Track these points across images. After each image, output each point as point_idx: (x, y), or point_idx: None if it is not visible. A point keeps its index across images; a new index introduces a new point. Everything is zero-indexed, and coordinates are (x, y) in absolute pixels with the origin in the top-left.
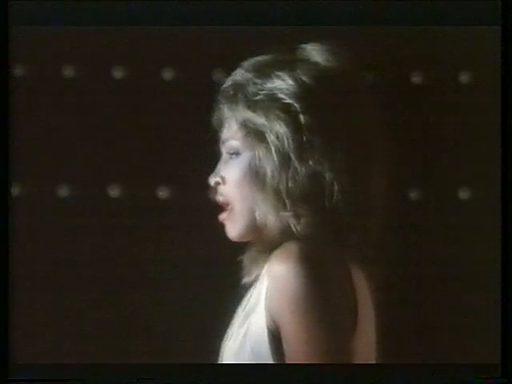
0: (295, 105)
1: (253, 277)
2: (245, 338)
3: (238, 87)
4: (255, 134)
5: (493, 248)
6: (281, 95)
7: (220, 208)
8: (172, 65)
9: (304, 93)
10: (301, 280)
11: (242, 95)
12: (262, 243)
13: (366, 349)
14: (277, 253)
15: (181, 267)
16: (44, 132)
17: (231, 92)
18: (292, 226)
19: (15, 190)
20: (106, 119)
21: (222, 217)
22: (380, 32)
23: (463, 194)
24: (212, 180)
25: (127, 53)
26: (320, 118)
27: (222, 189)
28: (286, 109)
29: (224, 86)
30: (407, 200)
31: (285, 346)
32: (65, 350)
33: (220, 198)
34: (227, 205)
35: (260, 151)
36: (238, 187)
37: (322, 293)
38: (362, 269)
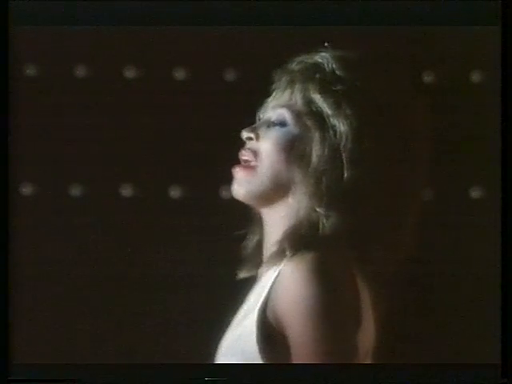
0: (365, 112)
1: (254, 273)
2: (239, 338)
3: (319, 69)
4: (316, 118)
5: (499, 248)
6: (356, 97)
7: (239, 161)
8: (183, 64)
9: (376, 104)
10: (312, 289)
11: (320, 77)
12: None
13: (367, 344)
14: (293, 260)
15: (191, 267)
16: (55, 132)
17: (310, 69)
18: (321, 223)
19: (27, 190)
20: (118, 119)
21: (239, 169)
22: (377, 32)
23: (474, 194)
24: (245, 134)
25: (138, 53)
26: (379, 128)
27: (252, 144)
28: (357, 112)
29: (305, 59)
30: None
31: (291, 346)
32: (65, 349)
33: (246, 153)
34: (250, 161)
35: (314, 135)
36: (272, 152)
37: (331, 300)
38: (364, 269)
